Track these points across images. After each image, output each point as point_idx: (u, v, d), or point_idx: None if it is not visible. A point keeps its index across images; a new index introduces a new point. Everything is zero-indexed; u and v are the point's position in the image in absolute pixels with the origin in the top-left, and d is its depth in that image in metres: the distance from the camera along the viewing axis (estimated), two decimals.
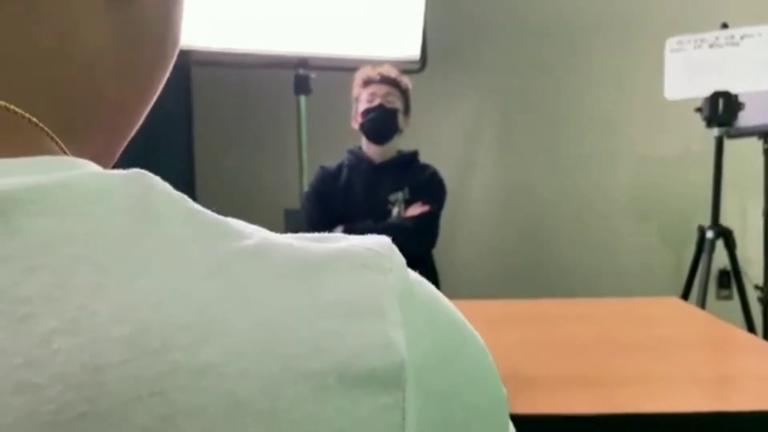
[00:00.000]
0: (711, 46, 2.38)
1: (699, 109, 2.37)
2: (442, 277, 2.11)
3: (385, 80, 2.03)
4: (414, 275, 0.29)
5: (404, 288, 0.27)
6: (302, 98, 2.70)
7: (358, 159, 2.09)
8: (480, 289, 3.20)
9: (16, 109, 0.26)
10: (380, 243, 0.28)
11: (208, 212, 0.26)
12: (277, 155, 3.32)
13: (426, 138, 2.48)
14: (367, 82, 2.05)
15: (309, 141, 2.72)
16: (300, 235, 0.28)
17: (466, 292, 2.30)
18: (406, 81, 2.08)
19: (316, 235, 0.28)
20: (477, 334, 0.32)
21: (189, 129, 3.64)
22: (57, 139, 0.28)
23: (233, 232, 0.26)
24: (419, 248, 2.00)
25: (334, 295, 0.24)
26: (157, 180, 0.26)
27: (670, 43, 2.47)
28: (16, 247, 0.21)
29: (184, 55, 2.76)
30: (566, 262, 3.34)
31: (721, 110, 2.29)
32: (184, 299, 0.22)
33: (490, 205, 3.47)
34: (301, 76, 2.67)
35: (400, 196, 2.02)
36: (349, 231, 1.95)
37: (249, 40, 2.57)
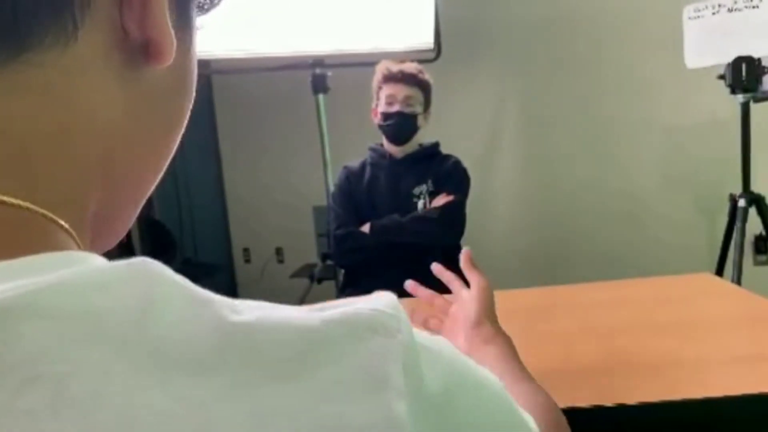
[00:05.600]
0: (729, 10, 2.32)
1: (722, 76, 2.33)
2: None
3: (406, 79, 2.00)
4: (422, 335, 0.29)
5: (410, 352, 0.26)
6: (321, 97, 2.71)
7: (380, 156, 2.10)
8: (510, 277, 3.20)
9: (22, 204, 0.26)
10: (387, 303, 0.28)
11: (209, 293, 0.26)
12: (301, 154, 3.34)
13: (446, 126, 2.48)
14: (387, 78, 2.02)
15: (330, 138, 2.74)
16: (302, 307, 0.27)
17: (496, 282, 2.30)
18: (427, 78, 2.05)
19: (319, 305, 0.27)
20: (485, 372, 0.31)
21: (214, 137, 3.68)
22: (65, 225, 0.28)
23: (230, 308, 0.25)
24: (447, 238, 2.00)
25: (335, 373, 0.24)
26: (158, 266, 0.25)
27: (687, 10, 2.42)
28: (17, 355, 0.20)
29: (203, 65, 2.80)
30: (596, 242, 3.32)
31: (745, 76, 2.24)
32: (183, 402, 0.21)
33: (515, 190, 3.45)
34: (318, 75, 2.68)
35: (424, 188, 2.02)
36: (376, 226, 1.97)
37: (264, 45, 2.60)
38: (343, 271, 2.24)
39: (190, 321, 0.23)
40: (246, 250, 3.74)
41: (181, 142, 0.37)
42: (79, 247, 0.28)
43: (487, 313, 0.77)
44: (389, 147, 2.08)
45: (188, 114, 0.36)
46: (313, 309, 0.27)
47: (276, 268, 3.62)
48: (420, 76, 2.02)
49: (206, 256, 3.63)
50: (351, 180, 2.09)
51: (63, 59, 0.27)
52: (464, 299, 0.81)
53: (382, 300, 0.28)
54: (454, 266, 2.23)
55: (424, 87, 2.04)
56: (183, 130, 0.36)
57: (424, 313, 0.91)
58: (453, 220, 1.99)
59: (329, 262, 2.69)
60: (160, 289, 0.24)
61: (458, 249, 2.11)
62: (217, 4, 0.36)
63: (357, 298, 0.28)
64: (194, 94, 0.36)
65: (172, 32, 0.30)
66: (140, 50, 0.30)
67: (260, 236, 3.66)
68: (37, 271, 0.23)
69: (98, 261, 0.25)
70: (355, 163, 2.14)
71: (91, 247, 0.31)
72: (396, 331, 0.26)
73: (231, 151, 3.71)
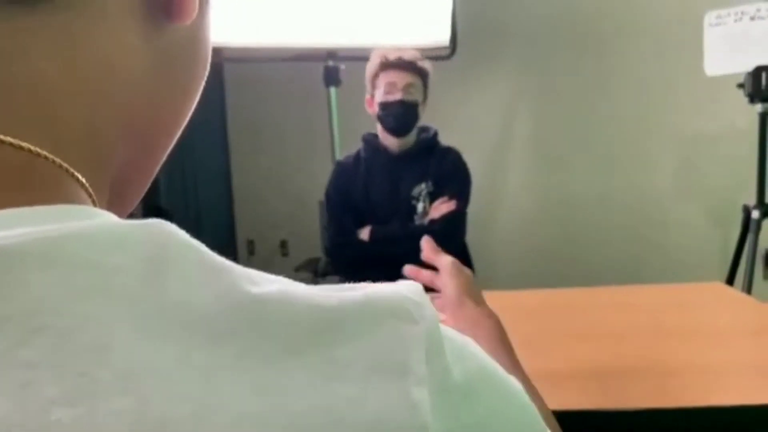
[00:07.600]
0: (752, 18, 2.29)
1: (741, 85, 2.29)
2: (477, 266, 2.08)
3: (405, 65, 1.89)
4: (444, 327, 0.27)
5: (433, 341, 0.25)
6: (332, 90, 2.70)
7: (374, 149, 1.99)
8: (518, 279, 3.17)
9: (40, 152, 0.25)
10: (411, 289, 0.26)
11: (227, 261, 0.25)
12: (310, 147, 3.33)
13: (458, 124, 2.45)
14: (385, 66, 1.90)
15: (341, 132, 2.71)
16: (324, 286, 0.26)
17: (503, 283, 2.27)
18: (426, 65, 1.94)
19: (340, 285, 0.26)
20: (512, 380, 0.30)
21: (223, 125, 3.68)
22: (83, 180, 0.27)
23: (248, 279, 0.24)
24: (449, 249, 1.95)
25: (354, 353, 0.23)
26: (173, 228, 0.24)
27: (709, 17, 2.38)
28: (22, 304, 0.20)
29: (216, 52, 2.80)
30: (607, 247, 3.29)
31: (765, 85, 2.21)
32: (187, 367, 0.20)
33: (527, 190, 3.42)
34: (331, 67, 2.67)
35: (423, 188, 1.92)
36: (376, 235, 1.90)
37: (278, 35, 2.58)
38: None
39: (202, 286, 0.23)
40: (251, 242, 3.73)
41: (190, 129, 0.36)
42: (95, 204, 0.27)
43: (466, 291, 0.69)
44: (386, 139, 1.97)
45: (203, 84, 0.35)
46: (334, 289, 0.25)
47: (280, 261, 3.61)
48: (419, 63, 1.92)
49: (210, 247, 3.61)
50: (345, 177, 2.00)
51: (91, 7, 0.27)
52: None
53: (406, 286, 0.27)
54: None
55: (424, 75, 1.93)
56: (196, 102, 0.35)
57: None
58: (456, 231, 1.92)
59: None
60: (175, 252, 0.23)
61: (463, 249, 2.08)
62: None
63: (381, 283, 0.27)
64: (209, 64, 0.35)
65: None
66: (162, 7, 0.30)
67: (265, 229, 3.65)
68: (51, 221, 0.22)
69: (113, 218, 0.25)
70: (348, 158, 2.04)
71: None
72: (419, 317, 0.25)
73: (239, 141, 3.70)
